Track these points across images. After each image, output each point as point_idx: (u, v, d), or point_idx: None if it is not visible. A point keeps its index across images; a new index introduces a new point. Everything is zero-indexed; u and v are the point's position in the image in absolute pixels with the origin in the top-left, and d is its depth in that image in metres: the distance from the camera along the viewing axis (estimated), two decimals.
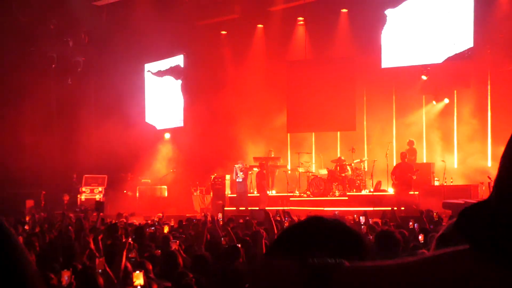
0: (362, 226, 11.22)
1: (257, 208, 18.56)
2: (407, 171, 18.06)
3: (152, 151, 25.09)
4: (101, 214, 13.97)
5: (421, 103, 22.30)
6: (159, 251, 8.19)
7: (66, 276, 6.12)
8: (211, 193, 22.52)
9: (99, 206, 16.45)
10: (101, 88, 26.26)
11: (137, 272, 5.65)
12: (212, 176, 22.65)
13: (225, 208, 20.96)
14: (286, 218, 13.42)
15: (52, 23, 25.08)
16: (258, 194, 21.54)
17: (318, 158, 23.58)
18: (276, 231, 9.02)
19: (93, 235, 8.15)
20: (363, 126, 23.20)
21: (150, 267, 6.53)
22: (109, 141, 23.49)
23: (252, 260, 7.30)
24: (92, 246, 7.37)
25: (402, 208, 17.10)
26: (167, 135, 26.64)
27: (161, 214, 15.32)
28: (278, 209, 15.12)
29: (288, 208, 20.17)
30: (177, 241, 8.53)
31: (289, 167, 23.93)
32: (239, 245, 7.53)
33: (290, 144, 24.89)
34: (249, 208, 19.40)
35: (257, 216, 15.48)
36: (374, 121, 22.52)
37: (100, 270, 6.23)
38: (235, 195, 21.29)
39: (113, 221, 12.95)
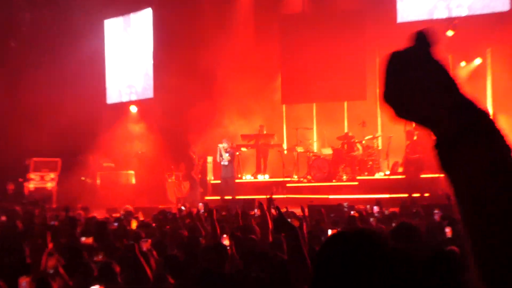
0: (371, 219, 11.29)
1: (251, 197, 18.59)
2: (416, 149, 18.38)
3: (115, 128, 24.98)
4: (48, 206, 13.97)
5: (447, 65, 22.24)
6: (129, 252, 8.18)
7: (24, 282, 6.05)
8: (190, 180, 22.50)
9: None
10: (51, 52, 26.00)
11: (97, 287, 5.58)
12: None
13: (207, 198, 21.15)
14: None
15: None
16: (251, 179, 21.63)
17: (321, 135, 23.58)
18: (270, 226, 9.01)
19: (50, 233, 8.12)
20: (376, 94, 23.15)
21: (118, 270, 6.52)
22: (62, 116, 23.31)
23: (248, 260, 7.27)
24: (50, 246, 7.32)
25: (426, 195, 17.21)
26: (133, 109, 26.51)
27: (129, 207, 15.29)
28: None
29: (285, 196, 20.25)
30: (149, 240, 8.51)
31: (285, 146, 23.92)
32: (228, 243, 7.51)
33: (286, 118, 24.85)
34: (237, 197, 19.43)
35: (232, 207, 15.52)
36: None
37: (51, 271, 6.20)
38: (219, 181, 21.27)
39: (69, 215, 12.91)
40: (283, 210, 12.73)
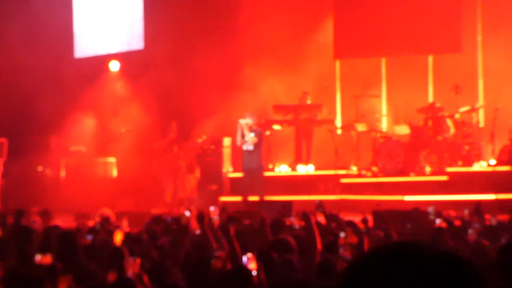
0: (469, 231, 11.22)
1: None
2: None
3: (87, 95, 25.00)
4: None
5: None
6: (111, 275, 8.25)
7: None
8: (197, 171, 22.53)
9: None
10: None
11: None
12: (199, 140, 22.64)
13: (223, 199, 21.16)
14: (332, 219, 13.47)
15: None
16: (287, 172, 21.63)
17: (393, 106, 23.42)
18: (319, 242, 9.01)
19: None
20: (476, 46, 22.99)
21: None
22: (9, 77, 23.42)
23: None
24: None
25: None
26: (114, 65, 26.52)
27: (108, 211, 15.38)
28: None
29: (338, 197, 20.20)
30: (137, 259, 8.56)
31: (339, 122, 23.88)
32: (254, 266, 7.53)
33: (340, 80, 24.74)
34: (267, 199, 19.41)
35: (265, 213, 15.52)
36: (496, 36, 22.29)
37: None
38: (241, 174, 21.27)
39: (20, 222, 13.01)
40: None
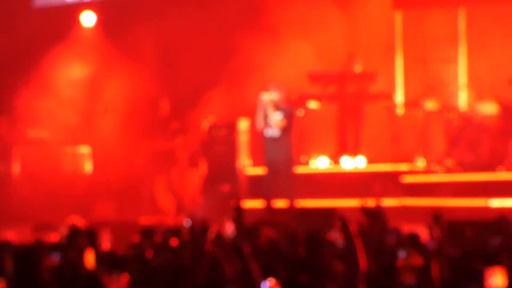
0: None
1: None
2: None
3: (51, 59, 25.19)
4: None
5: None
6: None
7: None
8: (202, 166, 22.69)
9: None
10: None
11: None
12: (206, 123, 22.77)
13: (239, 204, 21.38)
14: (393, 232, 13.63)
15: None
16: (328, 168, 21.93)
17: (475, 75, 23.52)
18: (363, 265, 9.23)
19: None
20: None
21: None
22: None
23: None
24: None
25: None
26: (88, 18, 26.70)
27: (78, 220, 15.60)
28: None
29: (399, 201, 20.39)
30: (125, 275, 8.80)
31: (399, 98, 23.97)
32: None
33: (403, 39, 24.82)
34: (299, 205, 19.53)
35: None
36: None
37: None
38: (263, 171, 21.35)
39: None
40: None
